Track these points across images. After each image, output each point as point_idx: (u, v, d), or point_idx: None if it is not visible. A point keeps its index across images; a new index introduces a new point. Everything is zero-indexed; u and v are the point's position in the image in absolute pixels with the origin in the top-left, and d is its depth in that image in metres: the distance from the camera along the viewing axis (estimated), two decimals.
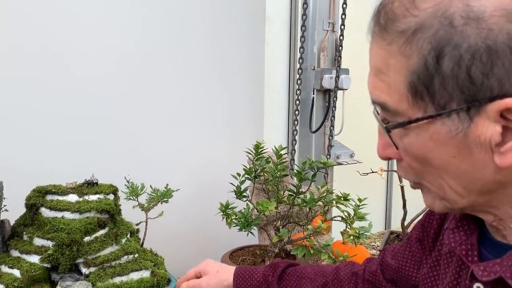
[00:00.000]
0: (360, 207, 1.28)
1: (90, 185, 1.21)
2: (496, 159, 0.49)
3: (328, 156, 1.85)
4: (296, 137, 1.83)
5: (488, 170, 0.50)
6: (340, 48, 1.84)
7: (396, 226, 2.26)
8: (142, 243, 1.27)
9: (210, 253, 1.58)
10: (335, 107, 1.87)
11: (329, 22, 1.88)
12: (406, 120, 0.52)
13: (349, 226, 1.28)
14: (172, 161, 1.68)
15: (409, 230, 1.78)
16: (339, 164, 1.91)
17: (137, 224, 1.30)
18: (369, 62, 0.56)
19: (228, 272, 1.01)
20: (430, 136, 0.51)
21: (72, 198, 1.15)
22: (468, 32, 0.45)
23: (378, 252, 1.86)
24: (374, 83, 0.55)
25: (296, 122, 1.81)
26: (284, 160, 1.34)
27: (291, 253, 1.30)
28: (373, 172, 1.68)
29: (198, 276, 1.06)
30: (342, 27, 1.81)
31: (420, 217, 0.85)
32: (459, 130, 0.49)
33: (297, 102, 1.82)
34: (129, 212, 1.30)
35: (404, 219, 1.76)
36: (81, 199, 1.15)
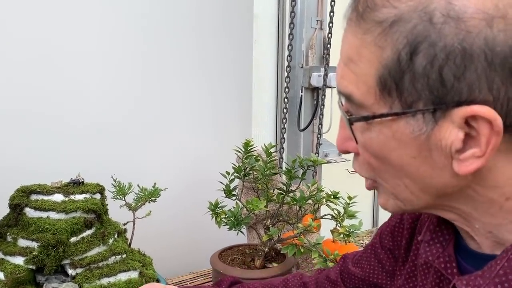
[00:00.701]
0: (350, 205, 1.28)
1: (76, 185, 1.18)
2: (455, 165, 0.47)
3: (316, 154, 1.85)
4: (285, 135, 1.82)
5: (446, 175, 0.49)
6: (329, 46, 1.84)
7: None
8: (130, 243, 1.25)
9: (198, 253, 1.57)
10: (323, 105, 1.87)
11: (317, 20, 1.87)
12: (370, 114, 0.50)
13: (339, 224, 1.28)
14: (160, 160, 1.65)
15: None
16: (328, 162, 1.91)
17: (124, 224, 1.28)
18: (340, 50, 0.53)
19: None
20: (392, 134, 0.49)
21: (58, 197, 1.12)
22: (446, 31, 0.44)
23: None
24: (343, 72, 0.52)
25: (284, 120, 1.80)
26: (274, 158, 1.33)
27: (281, 251, 1.29)
28: None
29: None
30: (331, 24, 1.81)
31: (383, 223, 0.83)
32: (422, 132, 0.47)
33: (286, 100, 1.81)
34: (116, 212, 1.27)
35: None
36: (66, 198, 1.13)
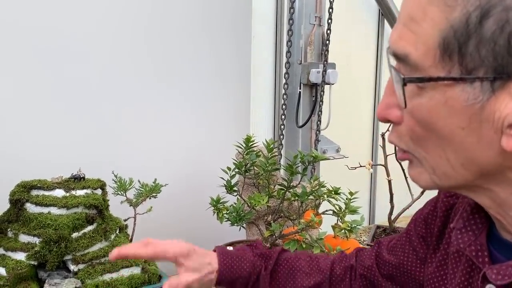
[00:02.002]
0: (351, 200, 1.28)
1: (77, 180, 1.17)
2: (504, 141, 0.46)
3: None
4: (283, 132, 1.81)
5: (491, 151, 0.48)
6: (327, 42, 1.84)
7: (380, 220, 2.28)
8: (131, 239, 1.24)
9: (197, 244, 1.56)
10: (322, 102, 1.87)
11: (315, 16, 1.87)
12: (426, 76, 0.48)
13: (340, 220, 1.28)
14: (160, 156, 1.64)
15: (396, 224, 1.79)
16: (326, 159, 1.91)
17: (125, 220, 1.27)
18: (400, 10, 0.51)
19: (209, 255, 0.88)
20: (445, 101, 0.47)
21: (59, 193, 1.11)
22: None
23: (366, 246, 1.87)
24: (401, 32, 0.50)
25: (283, 117, 1.80)
26: (275, 154, 1.32)
27: (283, 247, 1.28)
28: (361, 166, 1.69)
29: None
30: (329, 21, 1.81)
31: (413, 211, 0.83)
32: (478, 100, 0.45)
33: (284, 96, 1.80)
34: (117, 208, 1.26)
35: (391, 213, 1.77)
36: (68, 194, 1.12)
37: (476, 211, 0.61)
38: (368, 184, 2.44)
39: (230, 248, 0.93)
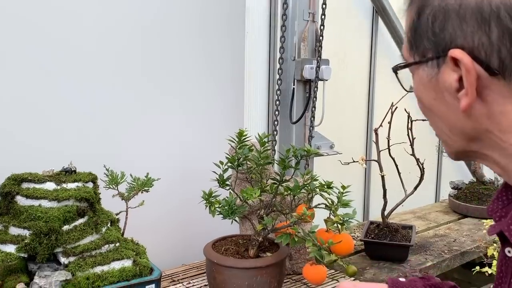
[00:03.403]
0: (344, 194, 1.28)
1: (68, 173, 1.17)
2: (460, 104, 0.58)
3: None
4: (277, 128, 1.81)
5: (459, 114, 0.59)
6: (321, 38, 1.84)
7: (373, 217, 2.28)
8: (123, 232, 1.24)
9: (192, 243, 1.56)
10: (315, 98, 1.87)
11: (309, 12, 1.87)
12: (401, 64, 0.64)
13: (333, 214, 1.28)
14: (153, 151, 1.64)
15: (389, 220, 1.79)
16: (320, 155, 1.91)
17: (117, 214, 1.26)
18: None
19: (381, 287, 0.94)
20: (419, 79, 0.63)
21: (50, 186, 1.11)
22: None
23: (356, 242, 1.87)
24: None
25: (276, 113, 1.80)
26: (267, 148, 1.32)
27: (275, 241, 1.29)
28: (354, 161, 1.69)
29: None
30: (323, 17, 1.81)
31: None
32: (433, 75, 0.60)
33: (278, 92, 1.80)
34: (109, 202, 1.26)
35: (384, 208, 1.77)
36: (59, 187, 1.11)
37: (506, 184, 0.67)
38: (362, 181, 2.44)
39: (402, 279, 0.95)
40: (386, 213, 1.78)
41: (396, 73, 0.67)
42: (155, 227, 1.60)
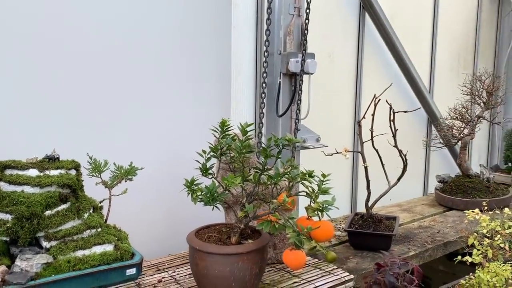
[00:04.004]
0: (324, 182, 1.30)
1: (51, 160, 1.18)
2: None
3: None
4: (263, 120, 1.83)
5: None
6: (306, 32, 1.86)
7: (361, 209, 2.30)
8: (106, 219, 1.26)
9: (176, 232, 1.58)
10: (301, 91, 1.89)
11: (295, 7, 1.89)
12: None
13: (313, 201, 1.30)
14: (137, 140, 1.66)
15: (373, 211, 1.82)
16: (306, 148, 1.93)
17: (100, 202, 1.28)
18: None
19: None
20: None
21: (33, 172, 1.13)
22: None
23: (342, 233, 1.90)
24: None
25: (262, 105, 1.82)
26: (250, 137, 1.34)
27: (257, 228, 1.31)
28: (337, 152, 1.71)
29: None
30: (308, 11, 1.83)
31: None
32: None
33: (264, 85, 1.82)
34: (93, 190, 1.28)
35: (368, 199, 1.80)
36: (42, 173, 1.13)
37: None
38: (350, 175, 2.46)
39: None
40: (370, 204, 1.80)
41: None
42: (139, 214, 1.62)
